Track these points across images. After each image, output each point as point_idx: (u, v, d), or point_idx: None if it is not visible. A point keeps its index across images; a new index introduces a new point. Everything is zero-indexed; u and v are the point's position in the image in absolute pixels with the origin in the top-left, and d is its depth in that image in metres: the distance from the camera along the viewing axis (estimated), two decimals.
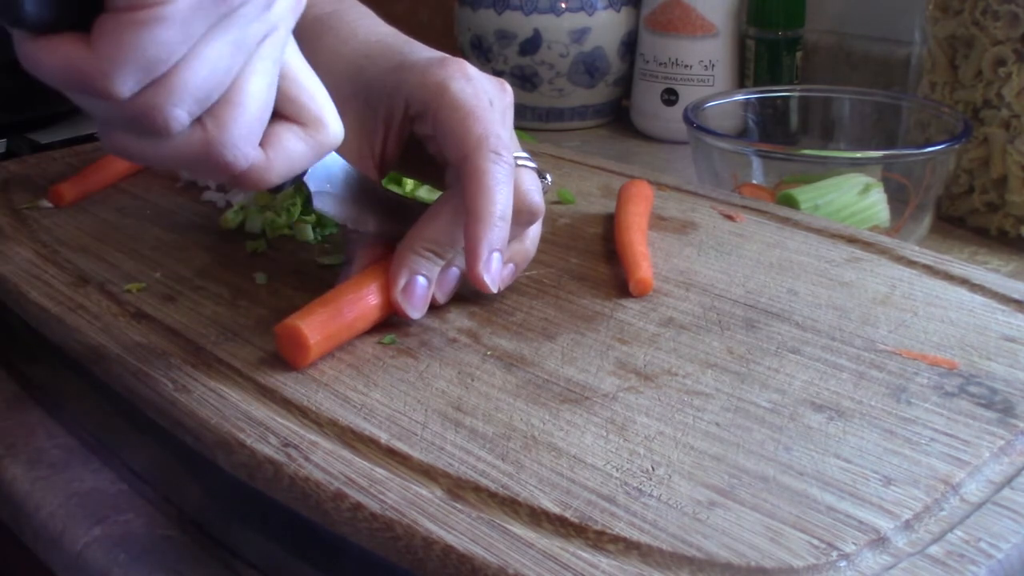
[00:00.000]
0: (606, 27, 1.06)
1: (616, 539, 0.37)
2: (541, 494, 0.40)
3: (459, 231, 0.51)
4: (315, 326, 0.48)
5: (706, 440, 0.43)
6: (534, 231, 0.56)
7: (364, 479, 0.41)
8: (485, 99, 0.52)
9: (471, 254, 0.50)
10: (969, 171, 0.79)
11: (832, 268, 0.58)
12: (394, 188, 0.69)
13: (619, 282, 0.57)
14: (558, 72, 1.07)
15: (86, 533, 0.49)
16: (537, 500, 0.39)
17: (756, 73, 1.03)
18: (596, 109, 1.11)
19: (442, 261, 0.52)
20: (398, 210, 0.55)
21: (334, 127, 0.45)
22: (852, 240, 0.61)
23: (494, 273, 0.51)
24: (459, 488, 0.40)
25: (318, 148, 0.45)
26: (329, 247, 0.63)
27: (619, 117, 1.14)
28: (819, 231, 0.63)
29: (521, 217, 0.53)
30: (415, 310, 0.52)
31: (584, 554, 0.37)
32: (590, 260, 0.60)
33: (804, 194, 0.71)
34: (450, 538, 0.38)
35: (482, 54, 1.09)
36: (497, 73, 1.07)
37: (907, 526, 0.38)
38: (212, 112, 0.40)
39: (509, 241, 0.53)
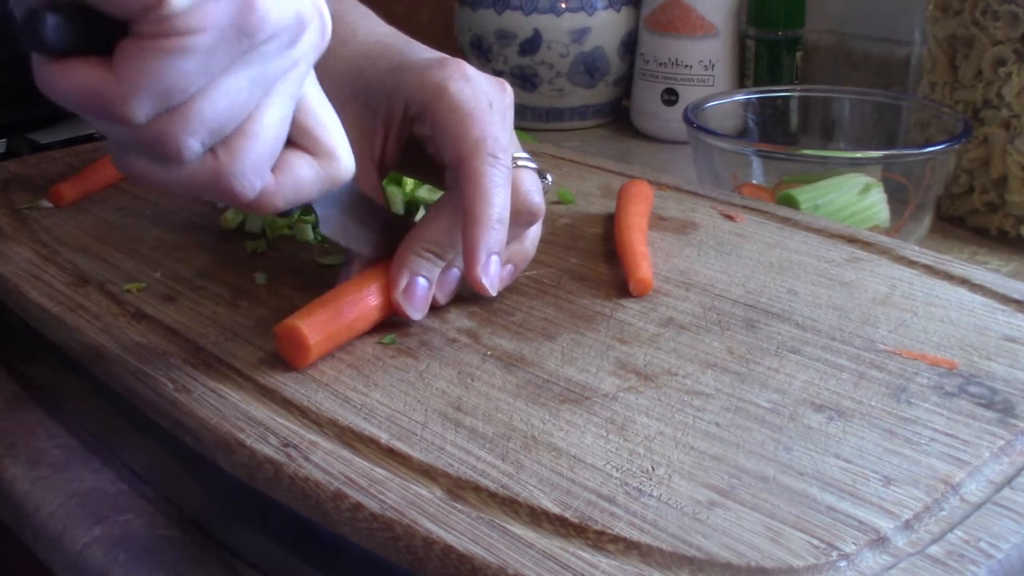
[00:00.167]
0: (606, 27, 1.06)
1: (616, 539, 0.37)
2: (541, 494, 0.40)
3: (459, 232, 0.51)
4: (315, 326, 0.48)
5: (706, 440, 0.43)
6: (534, 231, 0.56)
7: (364, 479, 0.41)
8: (484, 101, 0.52)
9: (468, 257, 0.50)
10: (969, 171, 0.79)
11: (832, 268, 0.58)
12: (394, 188, 0.69)
13: (619, 282, 0.57)
14: (558, 72, 1.07)
15: (86, 533, 0.49)
16: (537, 500, 0.39)
17: (756, 73, 1.03)
18: (596, 109, 1.11)
19: (442, 262, 0.52)
20: (403, 232, 0.54)
21: (346, 161, 0.45)
22: (852, 240, 0.61)
23: (492, 276, 0.51)
24: (459, 488, 0.40)
25: (328, 179, 0.45)
26: (329, 247, 0.63)
27: (619, 117, 1.14)
28: (819, 231, 0.63)
29: (521, 218, 0.53)
30: (416, 311, 0.52)
31: (584, 554, 0.37)
32: (590, 260, 0.60)
33: (804, 194, 0.71)
34: (450, 538, 0.38)
35: (482, 54, 1.09)
36: (497, 73, 1.07)
37: (907, 526, 0.38)
38: (225, 142, 0.40)
39: (509, 242, 0.53)
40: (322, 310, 0.49)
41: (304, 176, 0.44)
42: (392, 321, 0.52)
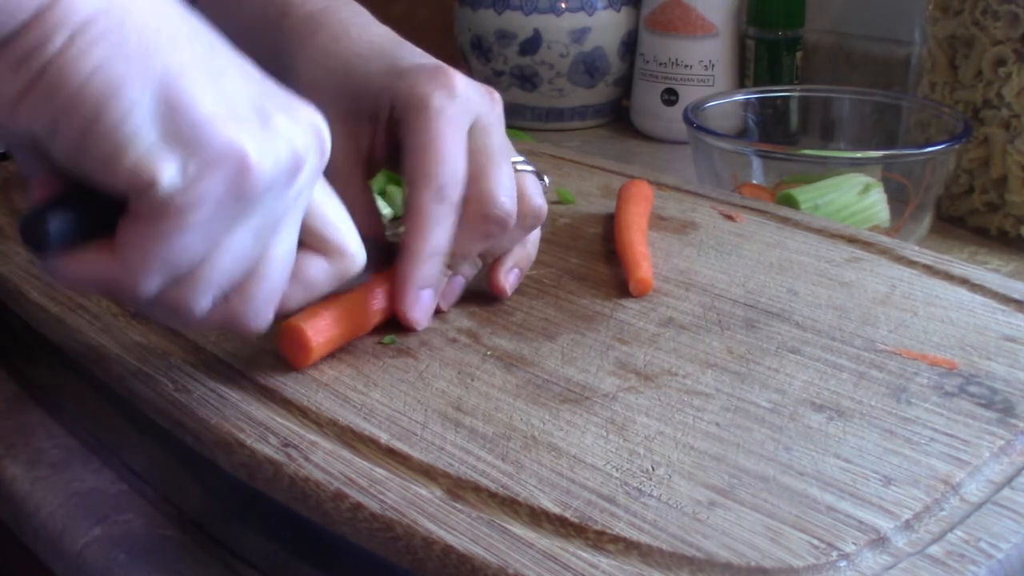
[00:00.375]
0: (606, 27, 1.06)
1: (616, 539, 0.37)
2: (541, 494, 0.40)
3: (460, 237, 0.51)
4: (317, 327, 0.48)
5: (706, 440, 0.43)
6: (535, 233, 0.56)
7: (364, 479, 0.41)
8: (459, 126, 0.51)
9: (397, 291, 0.51)
10: (969, 171, 0.79)
11: (832, 268, 0.58)
12: (394, 187, 0.69)
13: (619, 282, 0.57)
14: (558, 72, 1.07)
15: (86, 533, 0.49)
16: (537, 500, 0.39)
17: (756, 73, 1.03)
18: (596, 109, 1.11)
19: (447, 270, 0.52)
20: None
21: (357, 254, 0.45)
22: (852, 240, 0.61)
23: (421, 311, 0.51)
24: (459, 488, 0.40)
25: (339, 275, 0.45)
26: None
27: (619, 117, 1.14)
28: (819, 231, 0.63)
29: (526, 221, 0.53)
30: (421, 322, 0.52)
31: (584, 554, 0.37)
32: (590, 260, 0.60)
33: (804, 194, 0.71)
34: (450, 538, 0.38)
35: (482, 54, 1.09)
36: (497, 73, 1.08)
37: (907, 526, 0.38)
38: (237, 288, 0.40)
39: (513, 246, 0.53)
40: (324, 311, 0.49)
41: (316, 277, 0.44)
42: (392, 321, 0.52)
